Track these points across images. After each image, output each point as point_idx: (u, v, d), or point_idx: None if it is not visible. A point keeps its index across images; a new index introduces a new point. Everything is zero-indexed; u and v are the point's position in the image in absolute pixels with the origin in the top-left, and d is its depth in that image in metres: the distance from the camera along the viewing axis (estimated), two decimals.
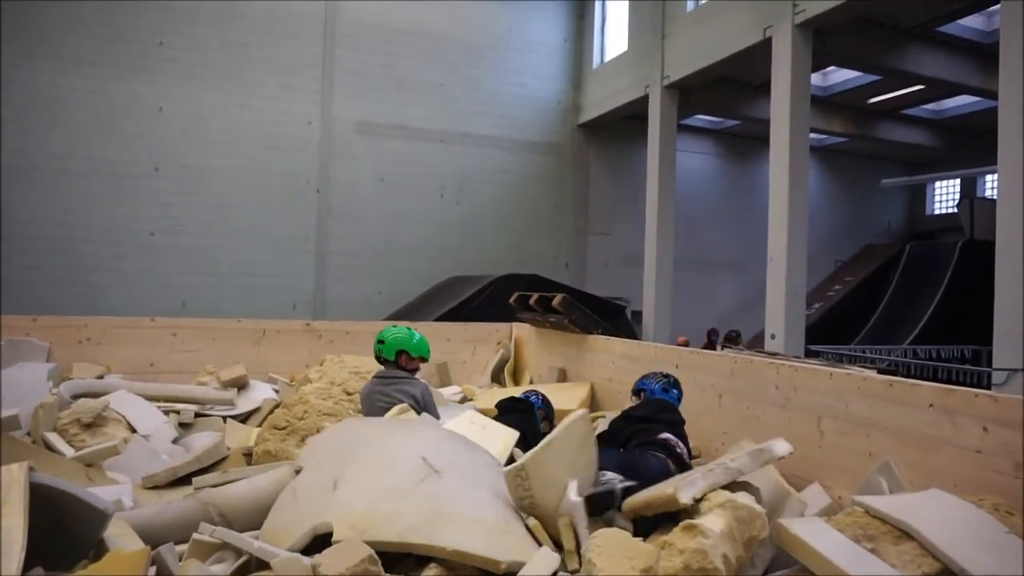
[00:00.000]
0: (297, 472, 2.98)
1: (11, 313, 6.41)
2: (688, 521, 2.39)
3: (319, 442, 3.07)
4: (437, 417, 4.15)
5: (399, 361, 4.32)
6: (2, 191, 11.24)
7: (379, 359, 4.40)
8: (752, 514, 2.44)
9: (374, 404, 4.14)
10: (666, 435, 3.47)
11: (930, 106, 15.86)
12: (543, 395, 4.73)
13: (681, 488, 2.66)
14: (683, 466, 3.31)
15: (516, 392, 5.21)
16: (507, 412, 4.26)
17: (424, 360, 4.47)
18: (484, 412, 5.39)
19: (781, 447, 2.83)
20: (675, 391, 4.19)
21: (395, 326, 4.53)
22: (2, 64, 11.17)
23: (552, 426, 4.37)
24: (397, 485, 2.60)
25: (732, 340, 10.72)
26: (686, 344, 9.72)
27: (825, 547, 2.32)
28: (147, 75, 12.11)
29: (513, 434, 3.69)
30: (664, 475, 3.07)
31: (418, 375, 4.50)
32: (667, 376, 4.26)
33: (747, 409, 4.34)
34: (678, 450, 3.42)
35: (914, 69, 11.68)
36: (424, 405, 4.22)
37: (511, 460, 3.28)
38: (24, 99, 11.37)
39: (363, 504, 2.52)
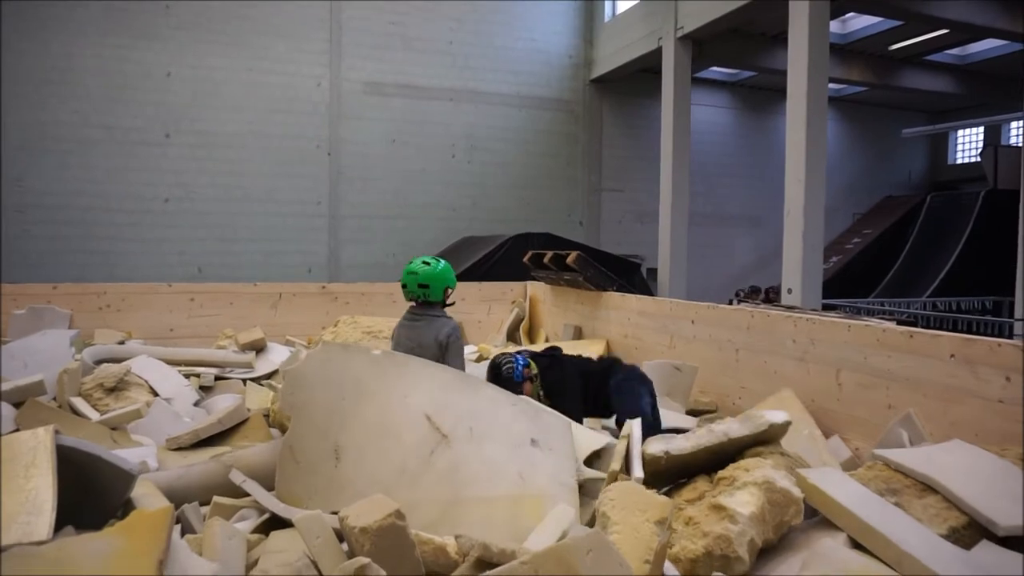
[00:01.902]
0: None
1: (32, 281, 6.49)
2: (718, 501, 2.28)
3: (303, 381, 2.79)
4: (461, 369, 3.71)
5: (445, 297, 3.96)
6: (9, 160, 11.29)
7: (414, 297, 3.93)
8: (788, 499, 2.30)
9: (402, 348, 3.81)
10: None
11: (954, 51, 15.35)
12: (514, 357, 4.03)
13: (652, 443, 2.64)
14: None
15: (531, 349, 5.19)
16: None
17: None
18: None
19: (777, 415, 2.70)
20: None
21: (420, 260, 4.01)
22: (5, 36, 11.11)
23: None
24: (406, 462, 2.54)
25: (751, 296, 10.60)
26: None
27: (849, 500, 2.31)
28: (155, 42, 12.00)
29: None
30: None
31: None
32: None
33: (764, 363, 4.33)
34: None
35: (937, 12, 11.27)
36: (447, 350, 3.81)
37: None
38: (35, 70, 11.32)
39: (374, 492, 2.49)
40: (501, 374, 3.88)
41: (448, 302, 4.05)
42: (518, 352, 4.17)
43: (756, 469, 2.39)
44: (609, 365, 4.08)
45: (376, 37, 13.35)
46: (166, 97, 12.13)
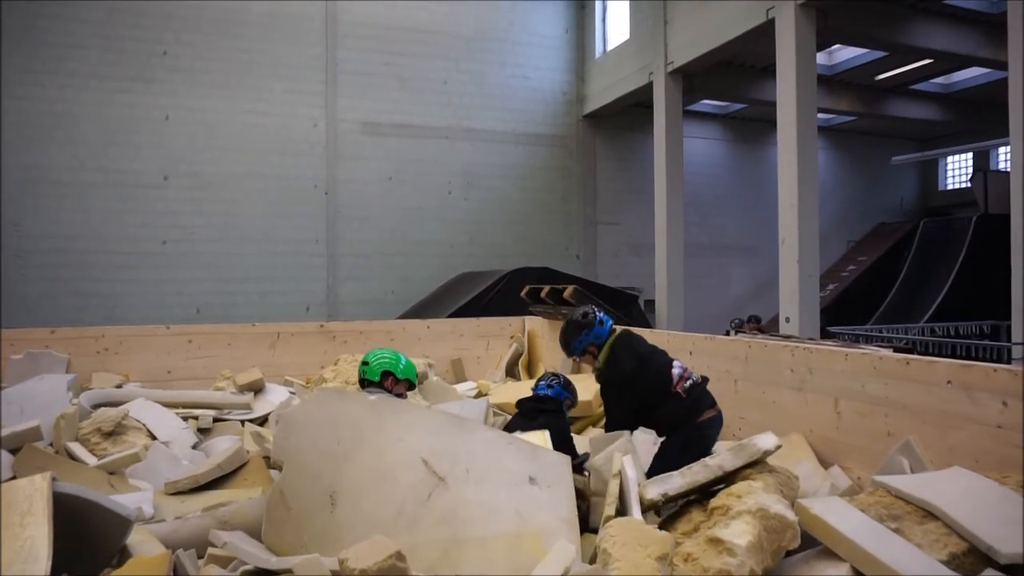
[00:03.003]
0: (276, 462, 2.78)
1: (29, 326, 6.49)
2: (714, 534, 2.27)
3: (297, 426, 2.80)
4: None
5: (385, 384, 4.04)
6: (7, 205, 11.38)
7: (362, 382, 4.12)
8: (784, 524, 2.30)
9: None
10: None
11: (939, 80, 15.63)
12: (563, 378, 4.14)
13: (650, 486, 2.63)
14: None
15: (531, 384, 5.16)
16: (534, 415, 3.84)
17: (411, 385, 4.21)
18: (500, 407, 5.42)
19: (767, 440, 2.70)
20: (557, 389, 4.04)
21: (381, 349, 4.28)
22: (4, 81, 11.28)
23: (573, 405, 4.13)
24: (403, 506, 2.51)
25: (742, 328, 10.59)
26: None
27: (848, 527, 2.30)
28: (152, 85, 12.18)
29: (544, 435, 3.47)
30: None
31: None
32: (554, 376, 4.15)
33: (763, 393, 4.32)
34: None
35: (921, 43, 11.51)
36: None
37: None
38: (33, 114, 11.47)
39: (371, 534, 2.46)
40: (576, 321, 3.72)
41: (394, 391, 4.02)
42: (609, 320, 3.81)
43: (748, 496, 2.37)
44: (695, 400, 3.57)
45: (371, 78, 13.57)
46: (164, 140, 12.27)
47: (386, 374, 4.04)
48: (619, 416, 3.60)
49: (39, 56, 11.47)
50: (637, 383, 3.55)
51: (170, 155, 12.31)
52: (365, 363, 4.10)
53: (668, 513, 2.80)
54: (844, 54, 14.10)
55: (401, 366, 4.12)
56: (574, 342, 3.73)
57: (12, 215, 11.37)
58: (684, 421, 3.50)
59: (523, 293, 7.26)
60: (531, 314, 7.55)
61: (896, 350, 3.93)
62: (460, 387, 6.56)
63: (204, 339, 6.55)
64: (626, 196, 15.60)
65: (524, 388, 5.46)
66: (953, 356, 7.49)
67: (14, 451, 3.75)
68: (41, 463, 3.53)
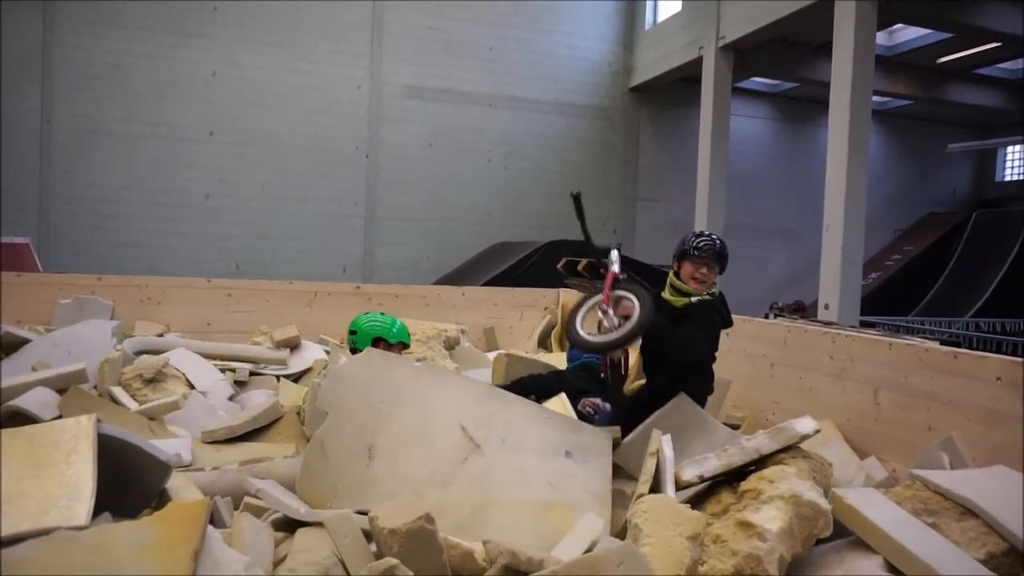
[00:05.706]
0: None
1: (77, 271, 6.65)
2: (745, 517, 2.24)
3: (344, 380, 2.91)
4: None
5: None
6: (59, 154, 11.64)
7: (353, 352, 3.90)
8: (816, 512, 2.26)
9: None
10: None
11: (1005, 65, 14.97)
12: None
13: (686, 467, 2.61)
14: None
15: (562, 356, 5.16)
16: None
17: (405, 346, 4.04)
18: None
19: (806, 424, 2.64)
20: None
21: (368, 312, 4.08)
22: (58, 32, 11.46)
23: None
24: (439, 467, 2.57)
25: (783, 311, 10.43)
26: None
27: (883, 519, 2.25)
28: (202, 40, 12.28)
29: (563, 401, 3.51)
30: None
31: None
32: None
33: (800, 379, 4.25)
34: None
35: (989, 25, 11.01)
36: None
37: None
38: (86, 65, 11.68)
39: (405, 491, 2.51)
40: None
41: None
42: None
43: (781, 481, 2.34)
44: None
45: (417, 41, 13.49)
46: (211, 95, 12.40)
47: (377, 340, 3.86)
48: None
49: (94, 7, 11.63)
50: (714, 331, 3.73)
51: (216, 111, 12.45)
52: (353, 331, 3.89)
53: (696, 492, 2.78)
54: (905, 34, 13.57)
55: (395, 329, 3.98)
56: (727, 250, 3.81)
57: (63, 164, 11.65)
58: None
59: (559, 265, 7.21)
60: (566, 286, 7.50)
61: (943, 343, 3.82)
62: (491, 355, 6.56)
63: (243, 294, 6.64)
64: (667, 173, 15.35)
65: (555, 359, 5.45)
66: (998, 353, 7.26)
67: (61, 391, 3.87)
68: (86, 404, 3.64)
